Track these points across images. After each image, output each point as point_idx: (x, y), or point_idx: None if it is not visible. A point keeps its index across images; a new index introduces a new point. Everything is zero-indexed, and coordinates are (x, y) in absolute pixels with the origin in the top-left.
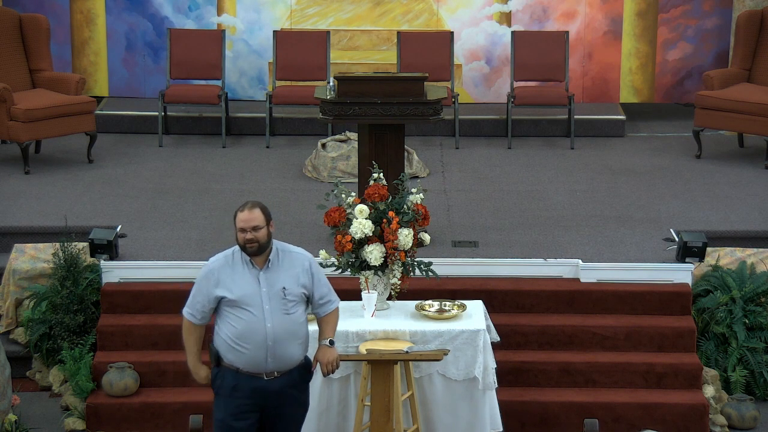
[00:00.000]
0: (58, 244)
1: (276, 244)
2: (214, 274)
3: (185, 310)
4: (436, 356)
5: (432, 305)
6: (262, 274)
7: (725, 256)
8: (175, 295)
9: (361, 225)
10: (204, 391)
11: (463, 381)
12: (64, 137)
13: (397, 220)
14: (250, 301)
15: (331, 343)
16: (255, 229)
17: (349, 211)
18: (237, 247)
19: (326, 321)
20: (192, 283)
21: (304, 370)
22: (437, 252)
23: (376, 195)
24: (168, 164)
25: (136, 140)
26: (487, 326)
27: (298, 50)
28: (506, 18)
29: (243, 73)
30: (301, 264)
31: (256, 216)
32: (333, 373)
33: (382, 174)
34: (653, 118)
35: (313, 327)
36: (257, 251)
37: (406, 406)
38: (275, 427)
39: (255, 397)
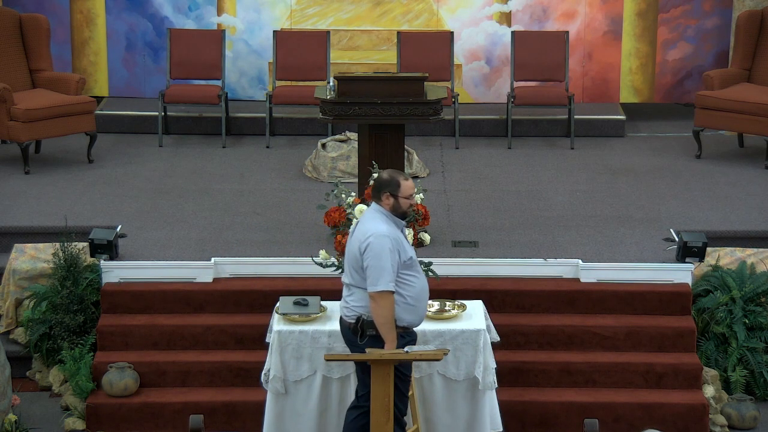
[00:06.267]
0: (58, 244)
1: None
2: (397, 241)
3: (389, 285)
4: (436, 356)
5: (432, 305)
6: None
7: (725, 256)
8: (175, 295)
9: None
10: (204, 391)
11: (463, 381)
12: (64, 137)
13: None
14: (416, 260)
15: None
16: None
17: (349, 211)
18: (385, 215)
19: None
20: (192, 283)
21: None
22: (437, 252)
23: None
24: (168, 164)
25: (136, 140)
26: (487, 326)
27: (298, 50)
28: (506, 18)
29: (243, 73)
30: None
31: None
32: None
33: None
34: (653, 118)
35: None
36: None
37: None
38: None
39: None
